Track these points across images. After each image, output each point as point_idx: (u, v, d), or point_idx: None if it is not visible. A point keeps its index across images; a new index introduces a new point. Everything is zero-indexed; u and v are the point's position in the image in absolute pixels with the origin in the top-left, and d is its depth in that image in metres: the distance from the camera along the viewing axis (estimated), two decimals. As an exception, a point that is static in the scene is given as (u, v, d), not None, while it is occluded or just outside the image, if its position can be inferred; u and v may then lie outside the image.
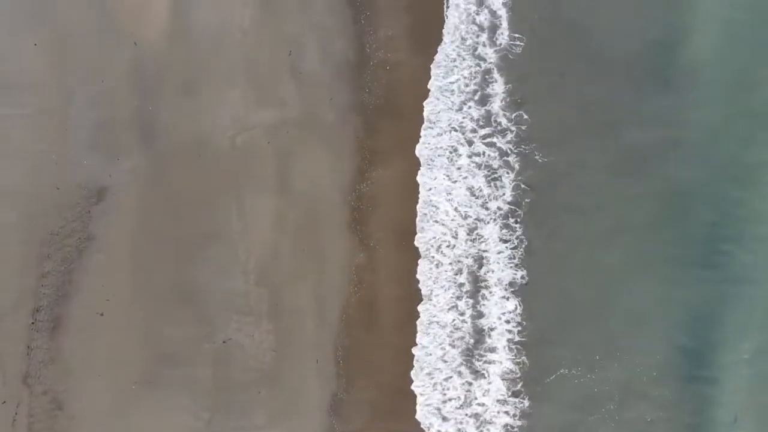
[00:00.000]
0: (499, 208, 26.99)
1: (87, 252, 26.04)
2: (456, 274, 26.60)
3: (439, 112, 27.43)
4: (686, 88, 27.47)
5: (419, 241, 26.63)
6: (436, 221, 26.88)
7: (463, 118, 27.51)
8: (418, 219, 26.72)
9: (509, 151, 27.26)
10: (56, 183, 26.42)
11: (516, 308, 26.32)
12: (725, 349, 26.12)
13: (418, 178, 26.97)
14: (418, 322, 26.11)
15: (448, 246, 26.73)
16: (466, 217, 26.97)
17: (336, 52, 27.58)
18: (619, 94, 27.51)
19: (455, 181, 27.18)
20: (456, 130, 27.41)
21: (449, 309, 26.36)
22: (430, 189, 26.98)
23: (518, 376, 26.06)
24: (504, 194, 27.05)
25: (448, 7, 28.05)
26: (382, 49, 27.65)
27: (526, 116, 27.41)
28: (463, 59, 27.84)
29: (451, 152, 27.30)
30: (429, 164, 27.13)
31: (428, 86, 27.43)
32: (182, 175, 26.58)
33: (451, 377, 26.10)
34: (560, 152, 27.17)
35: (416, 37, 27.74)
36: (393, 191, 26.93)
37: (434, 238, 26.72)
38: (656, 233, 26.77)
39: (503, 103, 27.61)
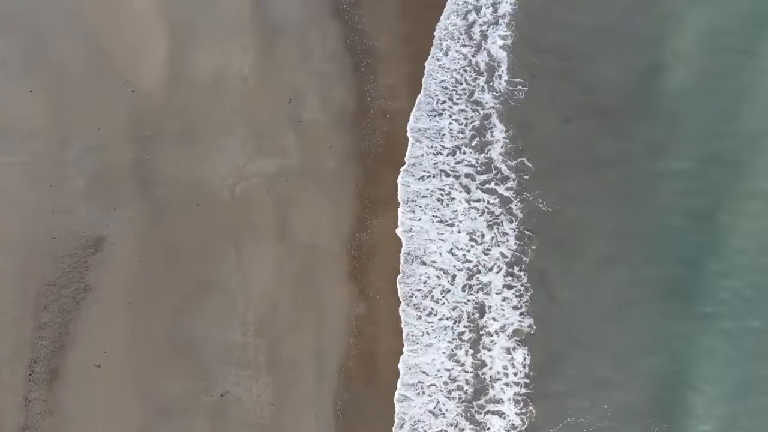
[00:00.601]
0: (502, 255, 26.60)
1: (84, 303, 25.74)
2: (455, 323, 26.16)
3: (422, 156, 27.12)
4: (696, 130, 27.22)
5: (401, 288, 26.09)
6: (424, 263, 26.42)
7: (456, 163, 27.13)
8: (401, 265, 26.32)
9: (511, 198, 26.93)
10: (52, 232, 26.16)
11: (525, 358, 25.87)
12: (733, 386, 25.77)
13: (399, 221, 26.63)
14: (401, 375, 25.59)
15: (442, 292, 26.30)
16: (465, 262, 26.56)
17: (336, 101, 27.47)
18: (626, 138, 27.20)
19: (451, 225, 26.77)
20: (448, 175, 27.02)
21: (448, 358, 25.92)
22: (411, 230, 26.56)
23: (524, 427, 25.59)
24: (507, 240, 26.68)
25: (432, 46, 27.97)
26: (383, 97, 27.55)
27: (528, 163, 27.08)
28: (454, 103, 27.53)
29: (442, 196, 26.91)
30: (409, 207, 26.78)
31: (407, 127, 27.24)
32: (180, 224, 26.32)
33: (445, 431, 25.62)
34: (565, 200, 26.88)
35: (416, 85, 27.72)
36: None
37: (424, 283, 26.27)
38: (666, 278, 26.42)
39: (503, 149, 27.27)
